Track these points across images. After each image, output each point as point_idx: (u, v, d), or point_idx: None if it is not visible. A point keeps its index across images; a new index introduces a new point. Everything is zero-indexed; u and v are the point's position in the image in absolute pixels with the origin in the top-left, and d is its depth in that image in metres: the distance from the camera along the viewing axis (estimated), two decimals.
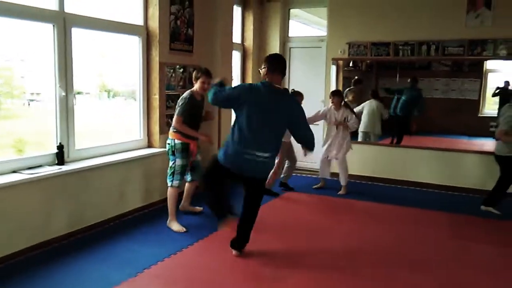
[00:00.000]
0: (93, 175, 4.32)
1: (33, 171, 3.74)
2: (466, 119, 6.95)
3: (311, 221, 4.92)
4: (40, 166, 3.92)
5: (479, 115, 6.94)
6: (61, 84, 4.12)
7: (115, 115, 5.50)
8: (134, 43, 5.10)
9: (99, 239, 4.13)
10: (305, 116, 3.75)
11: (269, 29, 7.33)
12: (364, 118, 6.97)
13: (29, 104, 4.51)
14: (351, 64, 7.31)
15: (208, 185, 3.74)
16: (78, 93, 4.53)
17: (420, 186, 6.45)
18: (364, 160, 6.79)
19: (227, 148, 3.59)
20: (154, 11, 5.10)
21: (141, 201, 5.02)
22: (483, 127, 6.68)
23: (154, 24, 5.12)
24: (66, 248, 3.90)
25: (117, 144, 4.89)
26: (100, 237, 4.19)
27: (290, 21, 7.53)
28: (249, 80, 7.24)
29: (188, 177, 4.79)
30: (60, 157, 4.06)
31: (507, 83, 6.61)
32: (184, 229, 4.40)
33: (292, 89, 6.06)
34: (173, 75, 5.39)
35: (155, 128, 5.21)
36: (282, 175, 6.15)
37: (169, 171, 4.52)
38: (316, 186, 6.34)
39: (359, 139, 6.96)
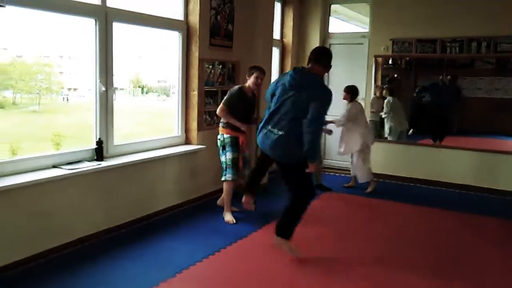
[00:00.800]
0: (132, 171, 4.27)
1: (73, 166, 3.71)
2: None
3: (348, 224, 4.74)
4: (79, 161, 3.89)
5: None
6: (102, 80, 4.08)
7: (150, 111, 5.47)
8: (173, 39, 5.03)
9: (137, 237, 4.08)
10: (323, 103, 3.45)
11: (309, 25, 7.14)
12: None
13: (67, 99, 4.53)
14: (390, 62, 7.04)
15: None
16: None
17: (460, 188, 6.16)
18: (400, 160, 6.55)
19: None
20: (195, 6, 5.02)
21: (178, 199, 4.95)
22: None
23: (194, 19, 5.03)
24: (105, 245, 3.86)
25: (155, 140, 4.83)
26: (138, 234, 4.15)
27: (330, 18, 7.32)
28: None
29: (228, 175, 4.60)
30: (99, 152, 4.03)
31: None
32: (234, 221, 4.51)
33: None
34: (212, 71, 5.30)
35: (193, 125, 5.13)
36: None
37: (223, 166, 4.61)
38: (347, 184, 6.22)
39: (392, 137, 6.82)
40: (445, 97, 6.81)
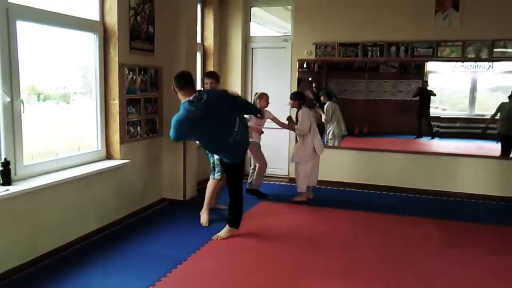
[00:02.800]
0: (47, 195, 3.66)
1: None
2: None
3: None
4: None
5: None
6: (5, 88, 3.44)
7: (52, 120, 4.78)
8: (82, 41, 4.46)
9: (56, 271, 3.49)
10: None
11: (230, 29, 6.86)
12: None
13: None
14: (305, 65, 7.01)
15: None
16: None
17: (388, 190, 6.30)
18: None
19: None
20: (112, 5, 4.50)
21: (100, 222, 4.39)
22: None
23: (112, 19, 4.51)
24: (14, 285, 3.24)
25: (72, 157, 4.23)
26: (57, 267, 3.55)
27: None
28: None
29: (216, 175, 4.80)
30: (6, 175, 3.37)
31: None
32: (207, 224, 4.62)
33: (256, 93, 5.83)
34: (134, 77, 4.80)
35: (115, 137, 4.60)
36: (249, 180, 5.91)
37: (211, 166, 4.80)
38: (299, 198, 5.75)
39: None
40: None
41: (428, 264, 3.78)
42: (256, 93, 5.71)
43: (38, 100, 4.52)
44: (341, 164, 6.55)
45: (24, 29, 3.62)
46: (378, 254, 4.00)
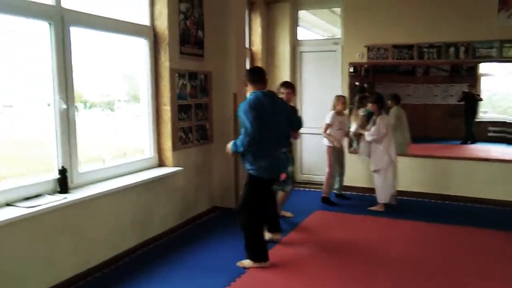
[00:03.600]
0: (101, 203, 3.57)
1: (32, 203, 2.97)
2: None
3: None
4: (39, 195, 3.16)
5: None
6: (61, 95, 3.38)
7: (97, 128, 4.73)
8: (131, 46, 4.39)
9: (109, 281, 3.39)
10: None
11: (277, 33, 6.69)
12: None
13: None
14: (351, 70, 6.73)
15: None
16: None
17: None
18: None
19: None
20: (162, 9, 4.42)
21: (156, 230, 4.29)
22: None
23: (162, 24, 4.43)
24: None
25: (126, 164, 4.14)
26: (110, 278, 3.45)
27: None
28: None
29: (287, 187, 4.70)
30: (63, 183, 3.30)
31: None
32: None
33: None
34: (184, 82, 4.70)
35: (167, 144, 4.49)
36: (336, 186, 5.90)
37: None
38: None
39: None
40: None
41: None
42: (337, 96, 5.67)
43: (85, 108, 4.49)
44: (407, 173, 6.13)
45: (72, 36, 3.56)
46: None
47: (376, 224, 4.91)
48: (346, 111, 5.83)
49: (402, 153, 5.91)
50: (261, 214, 3.71)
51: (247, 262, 3.67)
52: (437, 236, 4.49)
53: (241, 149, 3.50)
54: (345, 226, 4.86)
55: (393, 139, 5.36)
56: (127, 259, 3.82)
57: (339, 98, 5.56)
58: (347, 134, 5.79)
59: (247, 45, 6.37)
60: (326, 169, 5.66)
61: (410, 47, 6.01)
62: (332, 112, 5.53)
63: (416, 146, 6.43)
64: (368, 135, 5.33)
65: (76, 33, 3.56)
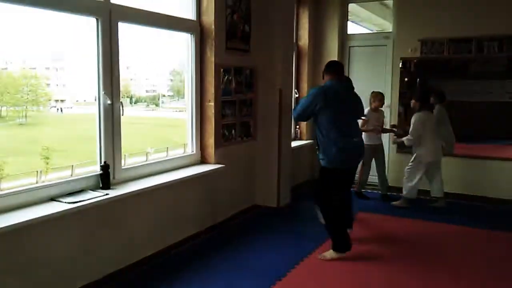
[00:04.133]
0: (143, 200, 3.56)
1: (75, 198, 3.00)
2: None
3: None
4: (82, 191, 3.18)
5: None
6: (106, 91, 3.38)
7: (145, 122, 4.75)
8: (177, 42, 4.35)
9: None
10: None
11: (326, 27, 6.49)
12: None
13: (61, 111, 3.91)
14: (400, 65, 6.40)
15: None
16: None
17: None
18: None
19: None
20: (209, 4, 4.34)
21: (197, 227, 4.26)
22: None
23: (208, 18, 4.36)
24: None
25: (168, 160, 4.13)
26: (151, 275, 3.44)
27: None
28: (304, 83, 6.44)
29: None
30: (105, 179, 3.31)
31: None
32: None
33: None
34: (230, 78, 4.62)
35: (210, 141, 4.44)
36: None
37: None
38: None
39: None
40: None
41: None
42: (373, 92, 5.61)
43: (131, 103, 4.52)
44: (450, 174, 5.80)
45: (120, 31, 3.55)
46: None
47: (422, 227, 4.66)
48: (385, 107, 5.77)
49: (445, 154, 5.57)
50: (338, 205, 3.80)
51: (329, 254, 3.73)
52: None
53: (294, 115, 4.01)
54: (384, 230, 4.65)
55: (438, 137, 5.19)
56: (167, 256, 3.80)
57: (376, 94, 5.47)
58: (382, 131, 5.59)
59: (294, 40, 6.23)
60: None
61: (468, 40, 5.65)
62: (367, 109, 5.40)
63: (467, 147, 6.05)
64: (406, 141, 5.19)
65: (123, 28, 3.56)
